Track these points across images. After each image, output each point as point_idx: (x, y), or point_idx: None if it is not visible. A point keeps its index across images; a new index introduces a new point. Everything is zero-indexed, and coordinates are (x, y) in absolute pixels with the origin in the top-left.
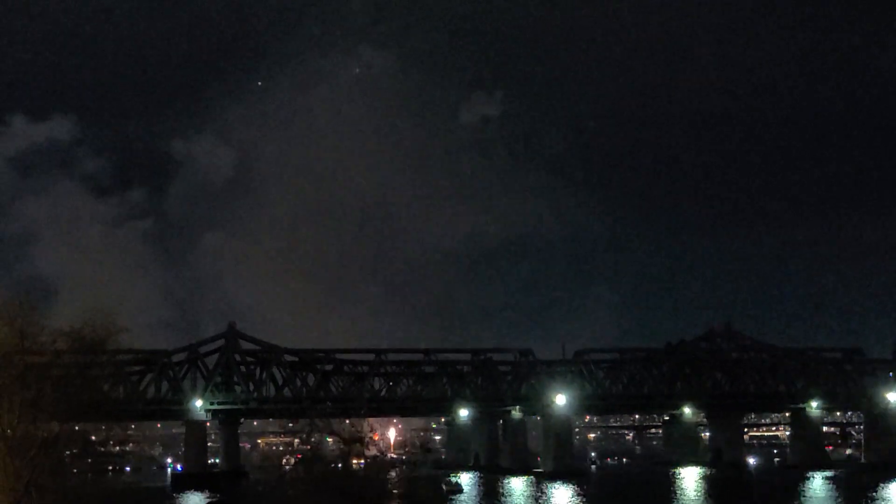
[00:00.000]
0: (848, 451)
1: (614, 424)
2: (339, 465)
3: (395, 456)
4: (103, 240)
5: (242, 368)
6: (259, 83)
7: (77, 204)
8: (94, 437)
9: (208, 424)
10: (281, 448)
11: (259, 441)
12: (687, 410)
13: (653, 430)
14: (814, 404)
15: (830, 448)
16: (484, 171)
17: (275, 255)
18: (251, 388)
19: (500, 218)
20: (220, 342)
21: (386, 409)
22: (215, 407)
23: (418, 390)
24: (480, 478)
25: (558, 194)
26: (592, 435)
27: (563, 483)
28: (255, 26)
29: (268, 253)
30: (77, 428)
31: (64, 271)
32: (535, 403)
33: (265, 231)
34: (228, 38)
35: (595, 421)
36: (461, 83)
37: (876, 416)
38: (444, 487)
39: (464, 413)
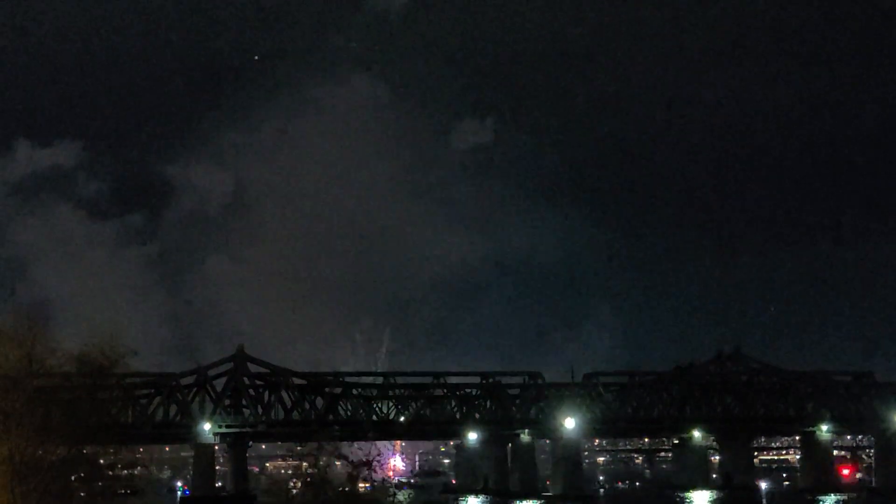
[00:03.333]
0: (859, 475)
1: (624, 448)
2: (347, 489)
3: (403, 480)
4: (103, 264)
5: (251, 391)
6: (256, 57)
7: (75, 228)
8: (102, 461)
9: (217, 448)
10: (289, 472)
11: (267, 464)
12: (697, 434)
13: (662, 454)
14: (824, 427)
15: (850, 470)
16: (478, 196)
17: (276, 280)
18: (259, 411)
19: (495, 242)
20: (229, 365)
21: (394, 432)
22: (223, 430)
23: (427, 413)
24: (488, 502)
25: (553, 218)
26: (602, 458)
27: None
28: (250, 54)
29: (269, 277)
30: (85, 451)
31: (64, 295)
32: (544, 427)
33: (265, 256)
34: (224, 66)
35: (604, 444)
36: (452, 111)
37: (887, 440)
38: None
39: (472, 436)
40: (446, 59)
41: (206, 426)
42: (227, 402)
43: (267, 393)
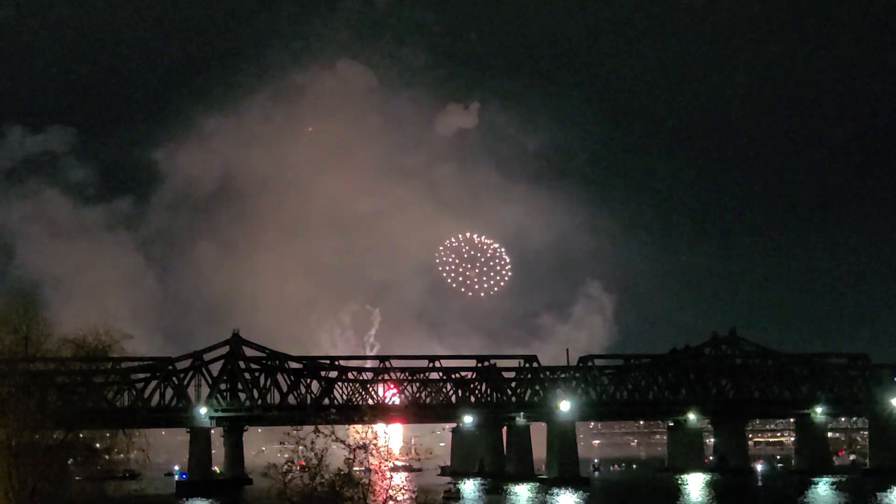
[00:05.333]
0: (852, 457)
1: (619, 431)
2: (343, 473)
3: (399, 463)
4: (92, 249)
5: (247, 375)
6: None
7: (64, 213)
8: (98, 445)
9: (213, 432)
10: (285, 455)
11: (263, 448)
12: (692, 416)
13: (657, 436)
14: (819, 410)
15: (842, 453)
16: (463, 180)
17: (264, 264)
18: (255, 395)
19: (483, 225)
20: (225, 349)
21: (390, 415)
22: (220, 414)
23: (423, 397)
24: (484, 485)
25: (541, 201)
26: (597, 441)
27: (567, 489)
28: (236, 39)
29: (257, 262)
30: (81, 436)
31: (53, 279)
32: (539, 410)
33: (254, 240)
34: (211, 51)
35: (599, 427)
36: (437, 96)
37: (881, 422)
38: (442, 495)
39: (468, 419)
40: (431, 45)
41: (203, 410)
42: (223, 386)
43: (263, 377)
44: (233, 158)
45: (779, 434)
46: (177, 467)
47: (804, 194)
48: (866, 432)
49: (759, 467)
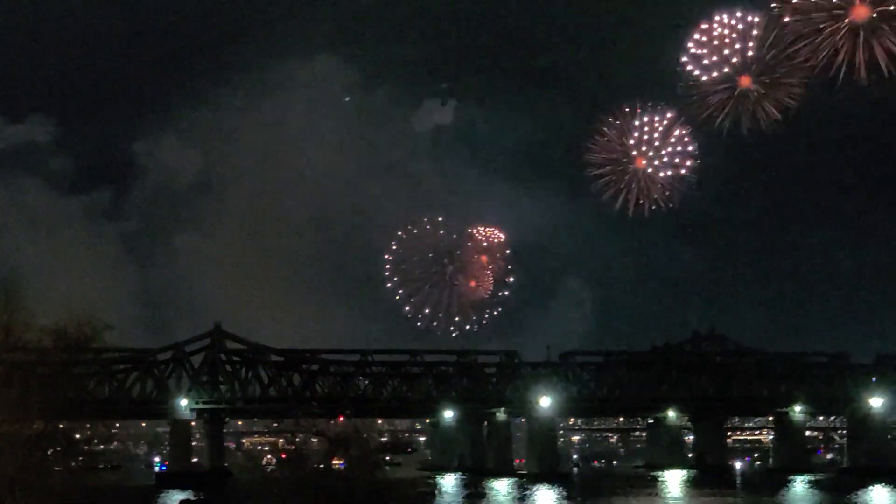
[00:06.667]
0: (830, 456)
1: (599, 427)
2: (322, 466)
3: (379, 457)
4: (72, 240)
5: (228, 368)
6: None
7: (44, 203)
8: (77, 436)
9: (193, 424)
10: (266, 448)
11: (244, 440)
12: (671, 414)
13: (637, 433)
14: (797, 408)
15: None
16: (441, 177)
17: (245, 257)
18: (236, 387)
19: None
20: (206, 341)
21: (371, 409)
22: (200, 406)
23: (403, 391)
24: (464, 479)
25: (519, 197)
26: (577, 437)
27: (547, 485)
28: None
29: (238, 254)
30: (61, 426)
31: (32, 271)
32: (519, 405)
33: (234, 233)
34: (191, 43)
35: (580, 423)
36: (415, 92)
37: (858, 421)
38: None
39: (449, 414)
40: (410, 40)
41: (183, 402)
42: (204, 378)
43: (244, 369)
44: (213, 151)
45: (758, 432)
46: (157, 458)
47: (784, 192)
48: (844, 431)
49: (737, 465)
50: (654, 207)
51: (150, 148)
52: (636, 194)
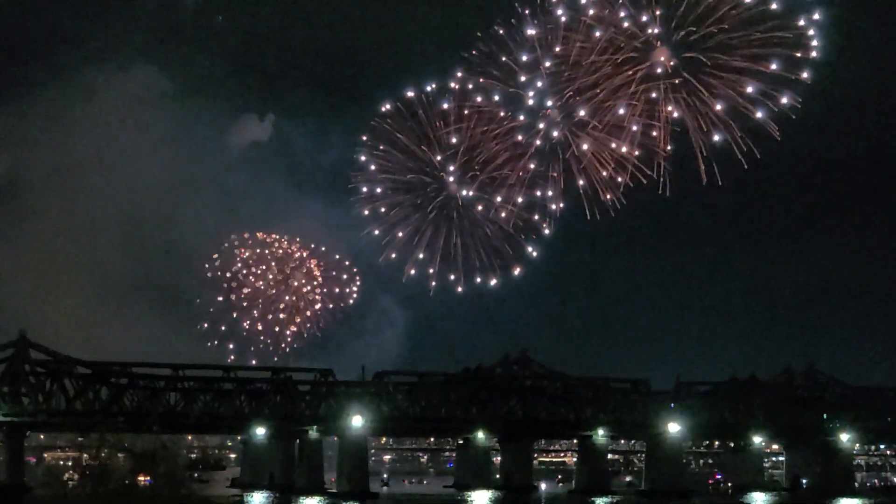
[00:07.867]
0: (628, 479)
1: (410, 447)
2: (128, 482)
3: (187, 474)
4: None
5: (31, 379)
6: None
7: None
8: None
9: None
10: (70, 463)
11: (45, 455)
12: (480, 435)
13: (447, 453)
14: (600, 432)
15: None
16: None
17: (55, 266)
18: (40, 399)
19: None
20: (10, 351)
21: (181, 425)
22: (0, 419)
23: (215, 407)
24: (273, 497)
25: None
26: (388, 456)
27: (357, 503)
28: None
29: (47, 263)
30: None
31: None
32: (332, 424)
33: (42, 241)
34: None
35: (391, 442)
36: (232, 107)
37: (656, 445)
38: None
39: (260, 431)
40: (228, 54)
41: None
42: (5, 389)
43: (49, 381)
44: (19, 156)
45: (563, 454)
46: None
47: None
48: (643, 454)
49: (543, 486)
50: None
51: None
52: None
